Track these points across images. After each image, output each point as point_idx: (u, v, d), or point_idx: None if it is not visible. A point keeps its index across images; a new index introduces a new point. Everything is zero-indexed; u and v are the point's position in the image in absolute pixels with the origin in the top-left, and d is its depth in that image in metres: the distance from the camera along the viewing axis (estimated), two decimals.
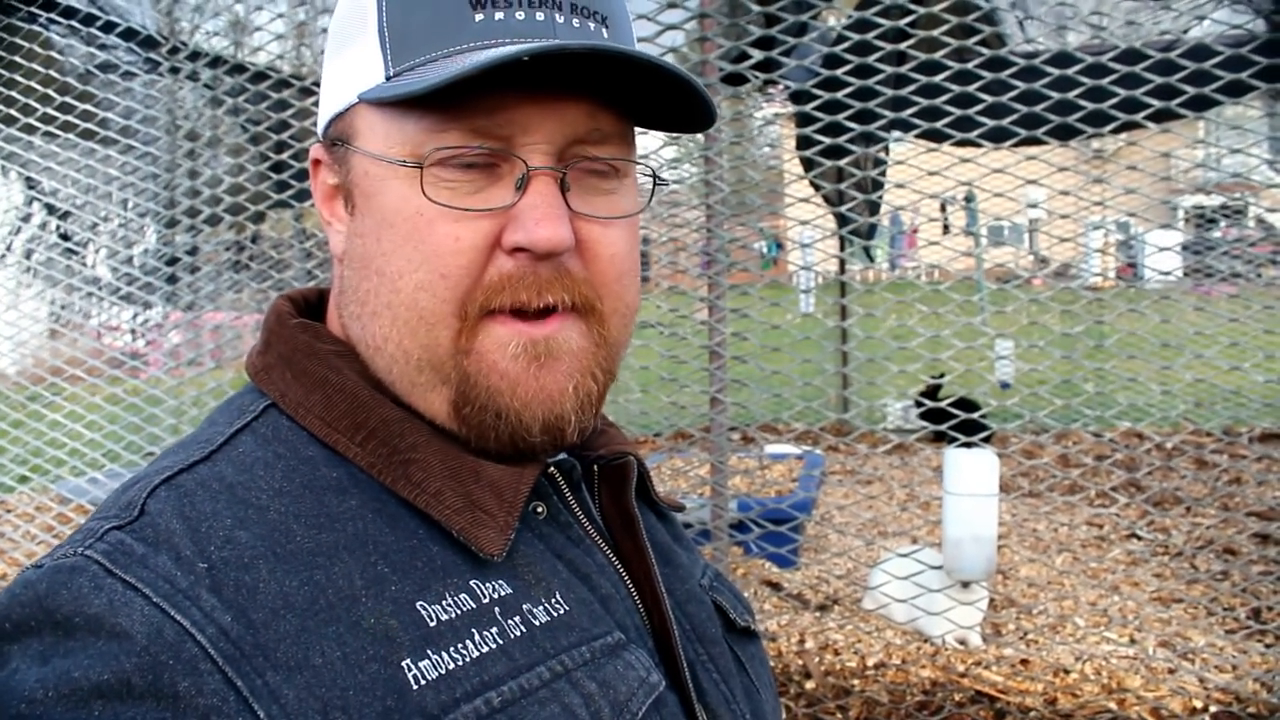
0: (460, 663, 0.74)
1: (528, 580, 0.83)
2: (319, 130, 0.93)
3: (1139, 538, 5.12)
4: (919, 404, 7.06)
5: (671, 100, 0.85)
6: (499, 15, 0.80)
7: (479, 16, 0.79)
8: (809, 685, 3.62)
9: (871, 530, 5.34)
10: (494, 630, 0.78)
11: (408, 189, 0.81)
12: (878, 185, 6.48)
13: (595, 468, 0.96)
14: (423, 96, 0.77)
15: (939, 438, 6.77)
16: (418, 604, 0.76)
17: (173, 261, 5.05)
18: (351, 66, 0.85)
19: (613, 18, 0.86)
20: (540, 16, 0.80)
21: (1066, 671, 3.60)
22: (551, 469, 0.90)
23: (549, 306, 0.82)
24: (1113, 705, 3.37)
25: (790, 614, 4.23)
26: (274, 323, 0.93)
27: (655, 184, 0.95)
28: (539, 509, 0.88)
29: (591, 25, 0.83)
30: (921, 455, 6.82)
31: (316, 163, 0.93)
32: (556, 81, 0.80)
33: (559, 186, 0.82)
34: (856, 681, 3.62)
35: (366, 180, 0.85)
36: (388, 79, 0.82)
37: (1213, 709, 3.34)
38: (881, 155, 6.39)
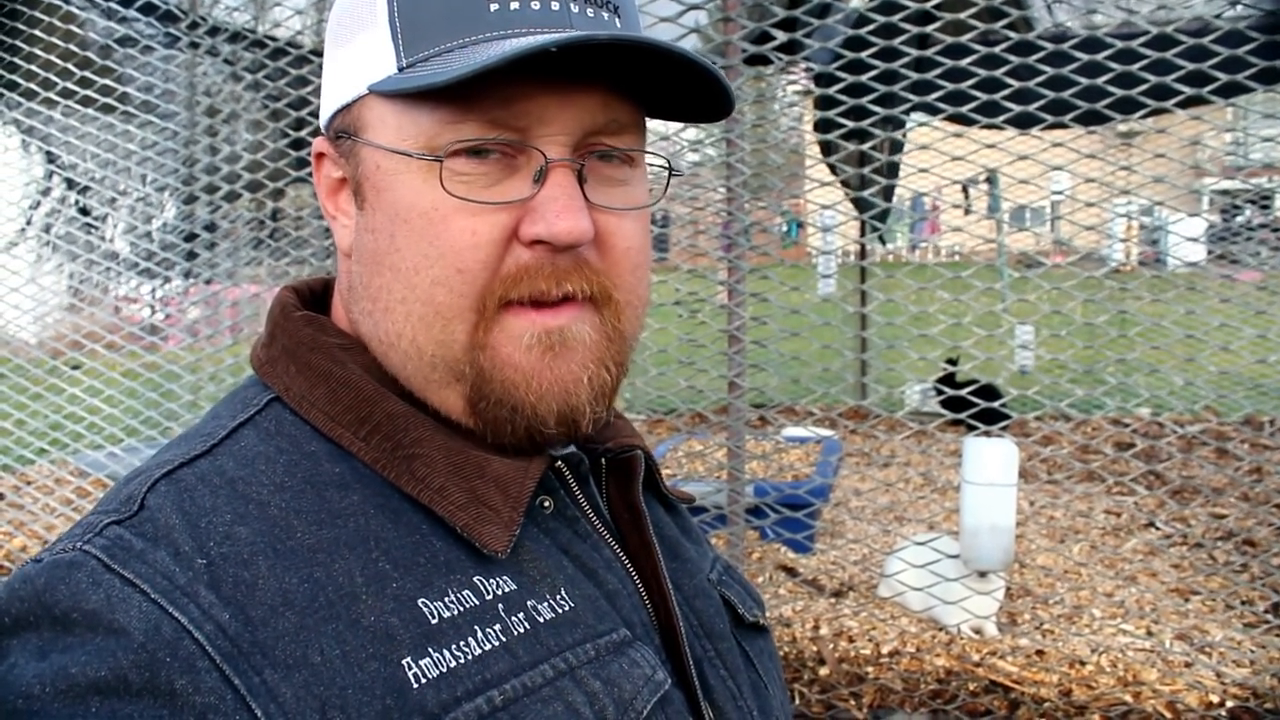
0: (462, 660, 0.74)
1: (532, 576, 0.82)
2: (322, 123, 0.91)
3: (1157, 528, 5.08)
4: (939, 390, 7.02)
5: (689, 90, 0.84)
6: (514, 5, 0.78)
7: (494, 6, 0.78)
8: (823, 672, 3.61)
9: (888, 516, 5.32)
10: (497, 627, 0.77)
11: (421, 183, 0.80)
12: (893, 169, 6.43)
13: (603, 461, 0.95)
14: (424, 91, 0.76)
15: (958, 423, 6.75)
16: (419, 601, 0.75)
17: (191, 236, 5.06)
18: (359, 57, 0.84)
19: (623, 7, 0.85)
20: (555, 6, 0.79)
21: (1082, 663, 3.58)
22: (559, 463, 0.89)
23: (567, 295, 0.81)
24: (1128, 698, 3.35)
25: (805, 600, 4.22)
26: (278, 315, 0.92)
27: (670, 174, 0.93)
28: (546, 503, 0.88)
29: (605, 15, 0.82)
30: (940, 441, 6.79)
31: (320, 156, 0.91)
32: (574, 71, 0.79)
33: (577, 178, 0.81)
34: (870, 669, 3.61)
35: (378, 174, 0.83)
36: (400, 70, 0.80)
37: (1229, 704, 3.31)
38: (899, 138, 6.34)
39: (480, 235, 0.80)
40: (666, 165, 0.93)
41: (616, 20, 0.83)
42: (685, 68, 0.79)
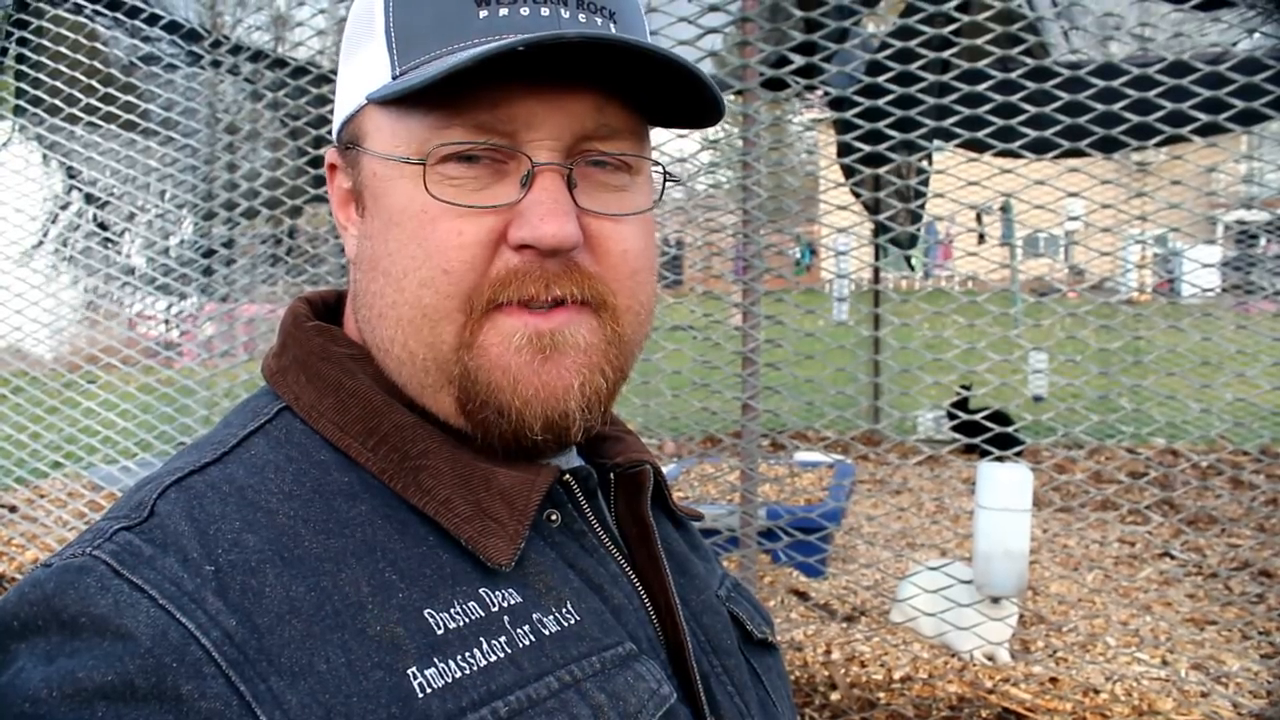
0: (467, 671, 0.74)
1: (538, 589, 0.82)
2: (334, 135, 0.93)
3: (1172, 557, 5.04)
4: (951, 415, 6.99)
5: (680, 93, 0.84)
6: (503, 11, 0.79)
7: (483, 13, 0.79)
8: (834, 697, 3.59)
9: (900, 542, 5.30)
10: (502, 639, 0.77)
11: (412, 187, 0.81)
12: (919, 194, 6.43)
13: (612, 476, 0.95)
14: (424, 93, 0.76)
15: (970, 450, 6.71)
16: (425, 612, 0.75)
17: (209, 253, 5.08)
18: (361, 69, 0.85)
19: (621, 13, 0.84)
20: (545, 12, 0.80)
21: (1096, 691, 3.55)
22: (566, 476, 0.89)
23: (558, 300, 0.81)
24: None
25: (817, 624, 4.20)
26: (290, 325, 0.93)
27: (665, 180, 0.93)
28: (553, 517, 0.87)
29: (599, 20, 0.82)
30: (952, 467, 6.76)
31: (333, 168, 0.93)
32: (561, 75, 0.79)
33: (565, 183, 0.81)
34: (882, 694, 3.58)
35: (375, 181, 0.85)
36: (394, 78, 0.81)
37: None
38: (923, 164, 6.35)
39: (466, 236, 0.80)
40: (663, 171, 0.92)
41: (612, 26, 0.83)
42: (667, 68, 0.79)
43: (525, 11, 0.79)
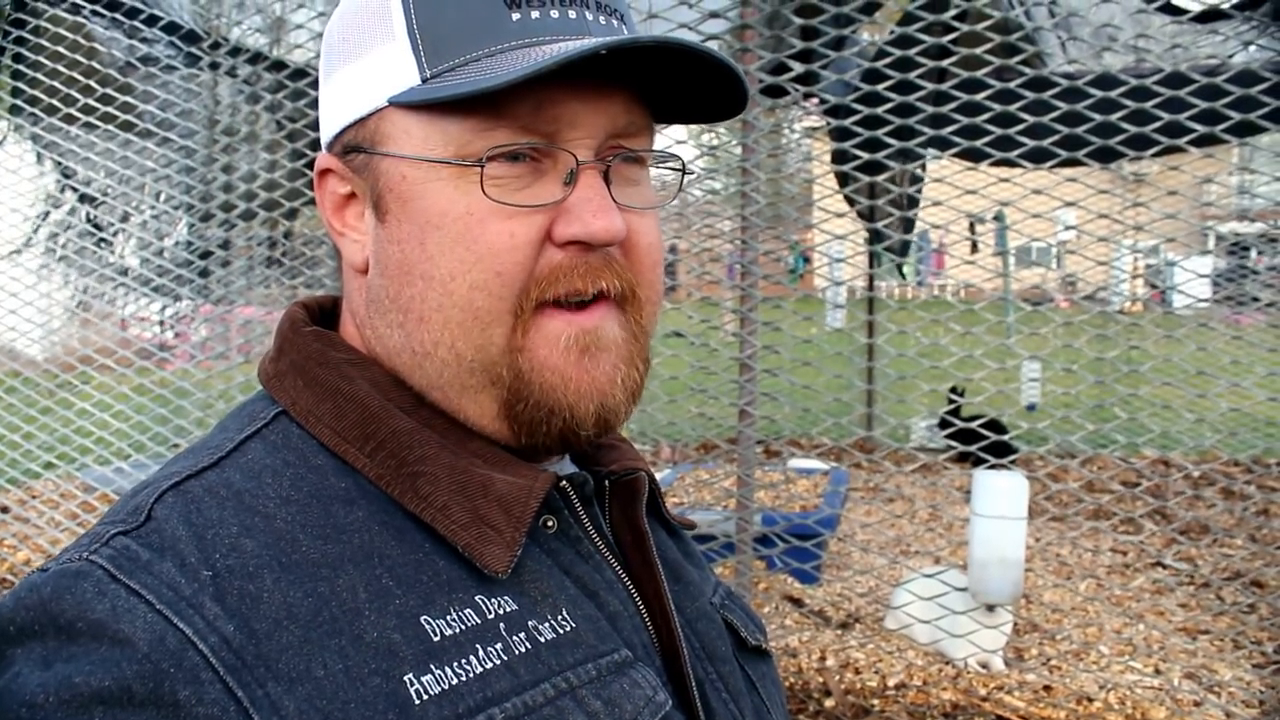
0: (463, 678, 0.74)
1: (534, 596, 0.82)
2: (326, 139, 0.91)
3: (1165, 566, 5.05)
4: (945, 424, 6.98)
5: (704, 92, 0.86)
6: (535, 14, 0.80)
7: (516, 16, 0.80)
8: (829, 703, 3.59)
9: (894, 549, 5.29)
10: (498, 646, 0.77)
11: (453, 189, 0.81)
12: (913, 202, 6.44)
13: (606, 483, 0.95)
14: (473, 96, 0.76)
15: (964, 457, 6.70)
16: (422, 618, 0.75)
17: (205, 255, 5.07)
18: (374, 71, 0.84)
19: (626, 15, 0.88)
20: (573, 14, 0.81)
21: (1090, 699, 3.55)
22: (563, 482, 0.89)
23: (601, 293, 0.83)
24: None
25: (812, 630, 4.20)
26: (287, 330, 0.92)
27: (684, 175, 0.95)
28: (549, 523, 0.87)
29: (615, 23, 0.85)
30: (946, 475, 6.76)
31: (324, 173, 0.91)
32: (602, 75, 0.80)
33: (604, 179, 0.83)
34: (876, 701, 3.58)
35: (404, 184, 0.83)
36: (424, 81, 0.81)
37: None
38: (919, 172, 6.35)
39: (518, 237, 0.81)
40: (681, 166, 0.94)
41: (624, 29, 0.86)
42: (715, 70, 0.82)
43: (555, 14, 0.81)
